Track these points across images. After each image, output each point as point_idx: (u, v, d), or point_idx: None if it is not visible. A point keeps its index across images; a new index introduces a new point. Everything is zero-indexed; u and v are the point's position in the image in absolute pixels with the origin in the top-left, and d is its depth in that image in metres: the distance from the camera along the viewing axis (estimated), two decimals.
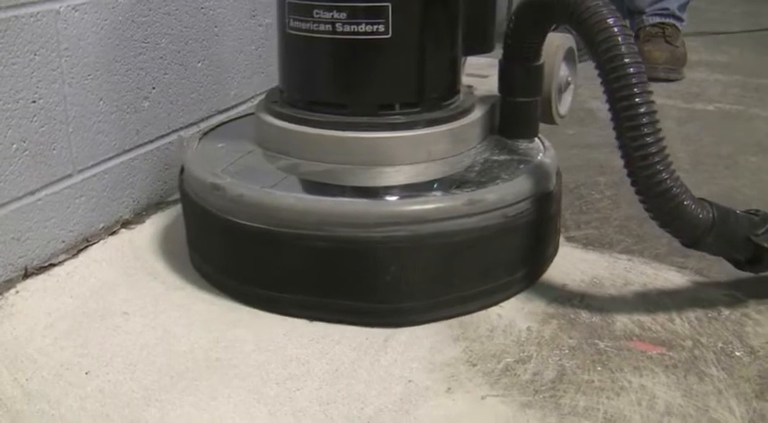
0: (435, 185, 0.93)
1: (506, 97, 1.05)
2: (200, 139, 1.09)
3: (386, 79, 0.97)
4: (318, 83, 1.00)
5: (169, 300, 0.96)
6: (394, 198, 0.91)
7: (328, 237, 0.88)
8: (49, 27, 0.98)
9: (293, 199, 0.89)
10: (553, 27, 0.99)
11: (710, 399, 0.78)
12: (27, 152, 0.98)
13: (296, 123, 0.99)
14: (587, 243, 1.10)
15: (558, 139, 1.49)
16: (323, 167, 0.96)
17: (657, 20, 2.05)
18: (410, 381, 0.81)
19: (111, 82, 1.09)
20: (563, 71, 1.08)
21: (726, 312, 0.93)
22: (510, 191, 0.92)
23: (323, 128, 0.97)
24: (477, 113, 1.03)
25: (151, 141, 1.18)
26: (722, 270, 1.00)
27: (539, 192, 0.95)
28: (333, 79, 0.99)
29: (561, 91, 1.09)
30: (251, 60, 1.38)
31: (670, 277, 1.01)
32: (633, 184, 0.86)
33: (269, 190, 0.91)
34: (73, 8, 1.01)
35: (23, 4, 0.94)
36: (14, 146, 0.96)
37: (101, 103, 1.08)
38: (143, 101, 1.15)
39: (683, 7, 2.07)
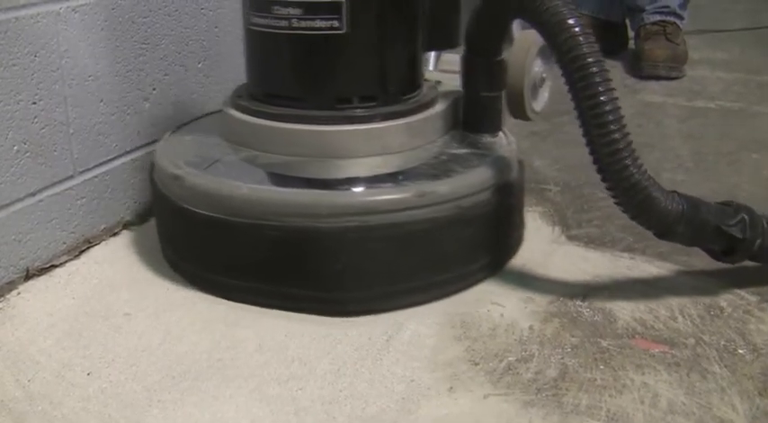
0: (388, 178, 0.95)
1: (469, 92, 1.07)
2: (172, 132, 1.11)
3: (342, 74, 0.99)
4: (278, 77, 1.02)
5: (171, 300, 0.96)
6: (345, 190, 0.92)
7: (280, 226, 0.90)
8: (49, 28, 0.98)
9: (246, 189, 0.91)
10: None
11: (713, 396, 0.78)
12: (28, 153, 0.98)
13: (257, 116, 1.01)
14: (589, 241, 1.10)
15: (558, 138, 1.49)
16: (281, 159, 0.98)
17: (658, 18, 2.05)
18: (412, 380, 0.81)
19: (111, 83, 1.09)
20: (537, 67, 1.09)
21: (728, 310, 0.93)
22: (462, 183, 0.94)
23: (282, 121, 0.99)
24: (438, 108, 1.04)
25: (152, 142, 1.18)
26: (725, 268, 1.00)
27: (494, 184, 0.97)
28: (291, 74, 1.01)
29: (536, 87, 1.10)
30: None
31: (672, 275, 1.01)
32: (603, 179, 0.89)
33: (224, 180, 0.93)
34: (73, 9, 1.01)
35: (24, 6, 0.94)
36: (15, 147, 0.96)
37: (101, 104, 1.08)
38: (144, 102, 1.15)
39: (683, 5, 2.07)
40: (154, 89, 1.17)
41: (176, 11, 1.18)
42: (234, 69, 1.33)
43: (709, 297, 0.95)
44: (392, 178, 0.94)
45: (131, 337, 0.88)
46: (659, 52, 1.97)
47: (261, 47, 1.02)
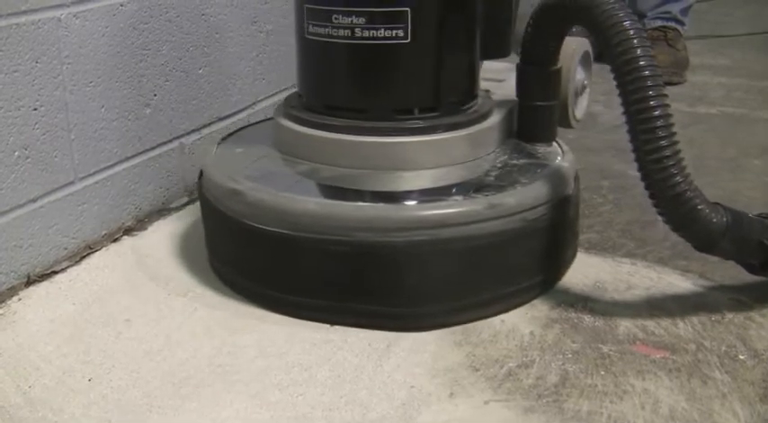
0: (455, 190, 0.93)
1: (524, 101, 1.05)
2: (218, 144, 1.09)
3: (405, 84, 0.98)
4: (337, 87, 1.00)
5: (171, 306, 0.96)
6: (414, 202, 0.91)
7: (349, 241, 0.88)
8: (50, 35, 0.98)
9: (313, 204, 0.90)
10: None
11: (714, 402, 0.78)
12: (29, 159, 0.98)
13: (315, 128, 0.99)
14: (590, 247, 1.10)
15: None
16: (342, 172, 0.96)
17: (659, 23, 2.05)
18: (413, 386, 0.81)
19: (112, 89, 1.09)
20: (579, 75, 1.08)
21: (729, 316, 0.93)
22: (529, 195, 0.92)
23: (342, 132, 0.97)
24: (496, 117, 1.03)
25: (153, 148, 1.18)
26: (726, 273, 1.00)
27: (558, 196, 0.95)
28: (352, 84, 0.99)
29: (577, 95, 1.09)
30: (252, 67, 1.38)
31: (673, 281, 1.01)
32: (647, 187, 0.86)
33: (288, 194, 0.91)
34: (74, 15, 1.01)
35: (25, 12, 0.95)
36: (16, 153, 0.96)
37: (102, 110, 1.08)
38: (144, 108, 1.15)
39: (685, 11, 2.07)
40: (155, 95, 1.17)
41: (177, 17, 1.19)
42: (235, 75, 1.34)
43: (710, 303, 0.95)
44: (458, 190, 0.93)
45: (132, 343, 0.88)
46: (660, 58, 1.96)
47: (319, 57, 0.99)
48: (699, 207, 0.85)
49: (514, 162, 1.00)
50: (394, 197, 0.93)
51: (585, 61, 1.10)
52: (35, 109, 0.98)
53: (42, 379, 0.82)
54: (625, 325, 0.91)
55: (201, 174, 1.03)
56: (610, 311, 0.93)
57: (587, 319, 0.92)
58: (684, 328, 0.90)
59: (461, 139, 0.98)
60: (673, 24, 2.05)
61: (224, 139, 1.11)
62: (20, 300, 0.97)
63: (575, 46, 1.06)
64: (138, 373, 0.83)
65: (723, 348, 0.86)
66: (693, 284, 1.00)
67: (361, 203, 0.90)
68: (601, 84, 1.94)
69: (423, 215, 0.88)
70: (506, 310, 0.93)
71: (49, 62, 0.99)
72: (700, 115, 1.72)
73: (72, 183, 1.05)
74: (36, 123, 0.98)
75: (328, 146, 0.98)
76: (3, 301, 0.96)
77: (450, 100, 1.00)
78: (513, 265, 0.93)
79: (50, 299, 0.97)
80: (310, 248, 0.89)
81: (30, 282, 1.00)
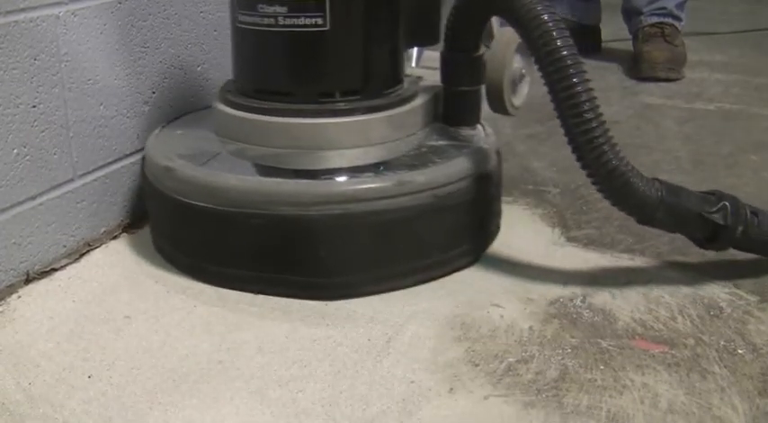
0: (370, 168, 0.98)
1: (448, 86, 1.10)
2: (162, 127, 1.14)
3: (326, 69, 1.03)
4: (265, 72, 1.06)
5: (171, 303, 0.96)
6: (329, 179, 0.96)
7: (267, 215, 0.94)
8: (48, 32, 0.98)
9: (237, 180, 0.96)
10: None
11: (713, 396, 0.78)
12: (28, 157, 0.98)
13: (245, 111, 1.05)
14: (588, 243, 1.10)
15: (555, 140, 1.50)
16: (268, 151, 1.02)
17: (655, 20, 2.05)
18: (412, 381, 0.81)
19: (111, 86, 1.09)
20: (516, 63, 1.11)
21: (728, 310, 0.93)
22: (441, 173, 0.98)
23: (269, 114, 1.02)
24: (418, 101, 1.08)
25: None
26: (724, 268, 1.00)
27: (472, 174, 1.00)
28: (277, 69, 1.05)
29: (515, 82, 1.12)
30: None
31: (671, 276, 1.01)
32: (583, 167, 0.91)
33: (216, 172, 0.98)
34: (72, 13, 1.01)
35: (23, 10, 0.95)
36: (15, 151, 0.96)
37: (101, 107, 1.08)
38: (143, 105, 1.15)
39: (680, 6, 2.06)
40: (153, 92, 1.17)
41: (175, 14, 1.19)
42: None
43: (708, 297, 0.96)
44: (373, 168, 0.98)
45: (132, 339, 0.88)
46: (657, 54, 1.97)
47: (248, 44, 1.05)
48: (632, 180, 0.90)
49: (433, 143, 1.05)
50: (311, 174, 0.98)
51: (524, 50, 1.12)
52: (34, 106, 0.98)
53: (42, 376, 0.82)
54: (624, 320, 0.91)
55: (144, 156, 1.08)
56: (608, 307, 0.94)
57: (586, 314, 0.92)
58: (683, 322, 0.91)
59: (381, 121, 1.03)
60: (669, 20, 2.05)
61: (168, 122, 1.16)
62: (19, 297, 0.97)
63: (511, 34, 1.09)
64: (138, 370, 0.83)
65: (722, 343, 0.87)
66: (692, 279, 1.00)
67: (279, 179, 0.96)
68: (597, 81, 1.95)
69: (335, 191, 0.94)
70: (424, 282, 0.99)
71: (48, 60, 0.99)
72: (697, 111, 1.72)
73: (71, 180, 1.05)
74: (35, 121, 0.98)
75: (256, 127, 1.03)
76: (2, 299, 0.96)
77: (371, 84, 1.04)
78: (426, 239, 0.98)
79: (50, 296, 0.97)
80: (236, 222, 0.95)
81: (29, 279, 1.00)
